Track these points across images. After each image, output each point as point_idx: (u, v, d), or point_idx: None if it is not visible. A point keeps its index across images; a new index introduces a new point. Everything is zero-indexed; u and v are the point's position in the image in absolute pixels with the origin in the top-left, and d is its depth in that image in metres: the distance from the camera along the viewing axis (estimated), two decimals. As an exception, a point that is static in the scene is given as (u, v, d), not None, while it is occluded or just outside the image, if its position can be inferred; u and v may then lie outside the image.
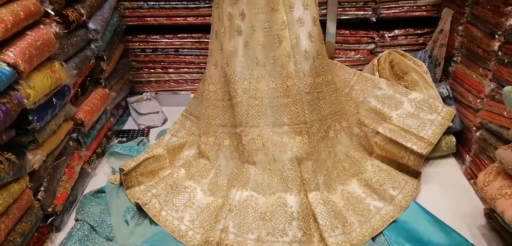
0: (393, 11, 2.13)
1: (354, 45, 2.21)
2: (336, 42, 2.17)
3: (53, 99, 1.48)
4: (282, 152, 1.55)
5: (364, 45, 2.20)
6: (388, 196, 1.52)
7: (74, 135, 1.70)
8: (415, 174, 1.64)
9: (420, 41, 2.19)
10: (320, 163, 1.57)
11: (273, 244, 1.35)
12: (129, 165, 1.66)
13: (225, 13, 1.61)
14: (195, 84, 2.40)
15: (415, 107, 1.77)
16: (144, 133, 2.18)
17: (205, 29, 2.24)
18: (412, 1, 2.11)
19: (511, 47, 1.43)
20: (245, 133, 1.59)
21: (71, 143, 1.67)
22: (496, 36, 1.50)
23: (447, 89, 1.83)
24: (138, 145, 2.02)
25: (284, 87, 1.57)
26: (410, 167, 1.64)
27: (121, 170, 1.65)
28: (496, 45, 1.50)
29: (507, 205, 1.14)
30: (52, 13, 1.51)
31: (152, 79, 2.43)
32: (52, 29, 1.47)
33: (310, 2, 1.54)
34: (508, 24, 1.44)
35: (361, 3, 2.12)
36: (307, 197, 1.46)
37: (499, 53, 1.49)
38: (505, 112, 1.42)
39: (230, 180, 1.59)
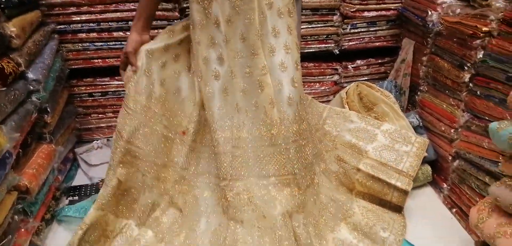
0: (354, 42, 2.15)
1: (319, 77, 2.19)
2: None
3: (-7, 172, 1.23)
4: (272, 207, 1.42)
5: (328, 77, 2.19)
6: (380, 239, 1.47)
7: (19, 206, 1.43)
8: (398, 209, 1.62)
9: (382, 70, 2.23)
10: (308, 213, 1.48)
11: None
12: None
13: (200, 56, 1.46)
14: (153, 128, 2.20)
15: (389, 139, 1.76)
16: (98, 187, 1.93)
17: (162, 68, 2.09)
18: (372, 32, 2.14)
19: (483, 79, 1.47)
20: (230, 187, 1.44)
21: (16, 217, 1.40)
22: (465, 68, 1.54)
23: (417, 119, 1.86)
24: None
25: (268, 136, 1.45)
26: (394, 203, 1.62)
27: None
28: (466, 77, 1.54)
29: (510, 244, 1.13)
30: (-15, 69, 1.27)
31: (102, 125, 2.19)
32: (-14, 89, 1.24)
33: (291, 45, 1.46)
34: (477, 57, 1.48)
35: (324, 36, 2.11)
36: None
37: (470, 84, 1.53)
38: (484, 144, 1.45)
39: (214, 241, 1.42)
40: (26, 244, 1.44)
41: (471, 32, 1.50)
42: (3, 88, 1.33)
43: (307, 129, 1.52)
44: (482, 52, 1.47)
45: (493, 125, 1.20)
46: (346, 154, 1.74)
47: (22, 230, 1.44)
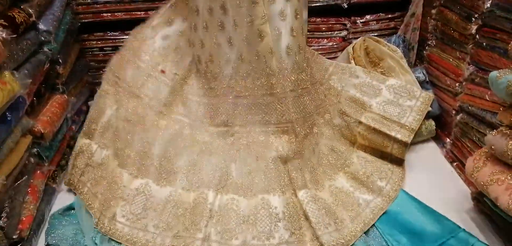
0: (364, -4, 2.10)
1: (326, 33, 2.17)
2: (308, 31, 2.12)
3: (7, 114, 1.31)
4: (267, 151, 1.49)
5: (336, 32, 2.16)
6: (376, 187, 1.50)
7: (34, 150, 1.53)
8: (398, 161, 1.64)
9: (392, 26, 2.18)
10: (305, 161, 1.52)
11: None
12: (66, 177, 1.65)
13: (203, 6, 1.49)
14: (162, 82, 2.25)
15: (393, 94, 1.76)
16: (110, 138, 2.02)
17: (169, 22, 2.11)
18: (382, -15, 2.09)
19: (490, 30, 1.44)
20: (231, 132, 1.51)
21: (31, 159, 1.50)
22: (473, 19, 1.51)
23: (424, 74, 1.84)
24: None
25: (269, 85, 1.49)
26: (394, 155, 1.64)
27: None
28: (473, 28, 1.51)
29: (501, 191, 1.14)
30: (-4, 16, 1.33)
31: (114, 79, 2.24)
32: (-2, 36, 1.30)
33: None
34: (485, 7, 1.44)
35: (333, -11, 2.08)
36: (296, 196, 1.42)
37: (477, 36, 1.51)
38: (486, 96, 1.44)
39: (211, 177, 1.49)
40: (42, 186, 1.54)
41: (480, -19, 1.46)
42: (14, 35, 1.38)
43: (306, 79, 1.54)
44: (490, 1, 1.43)
45: (493, 74, 1.20)
46: (349, 107, 1.75)
47: (38, 172, 1.54)
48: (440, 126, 1.80)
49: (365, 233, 1.35)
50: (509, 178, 1.15)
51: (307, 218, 1.35)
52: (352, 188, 1.51)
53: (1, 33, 1.31)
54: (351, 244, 1.28)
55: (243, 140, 1.50)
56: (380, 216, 1.41)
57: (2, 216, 1.27)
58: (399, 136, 1.61)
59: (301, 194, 1.41)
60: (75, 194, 1.61)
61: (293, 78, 1.48)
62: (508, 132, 1.18)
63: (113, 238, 1.38)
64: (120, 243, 1.37)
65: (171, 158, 1.54)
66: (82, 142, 1.66)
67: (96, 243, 1.36)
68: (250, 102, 1.52)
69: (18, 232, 1.33)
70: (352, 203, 1.45)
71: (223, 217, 1.38)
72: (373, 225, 1.38)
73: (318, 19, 2.14)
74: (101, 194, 1.50)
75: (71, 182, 1.61)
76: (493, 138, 1.21)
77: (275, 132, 1.51)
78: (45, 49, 1.67)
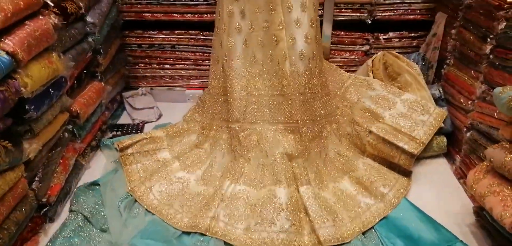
0: (388, 13, 2.16)
1: (349, 46, 2.24)
2: (332, 43, 2.20)
3: (50, 90, 1.49)
4: (274, 147, 1.59)
5: (359, 46, 2.23)
6: (379, 193, 1.54)
7: (69, 127, 1.71)
8: (406, 173, 1.67)
9: (414, 44, 2.22)
10: (310, 162, 1.60)
11: (261, 233, 1.38)
12: (123, 142, 1.73)
13: (225, 10, 1.64)
14: (191, 81, 2.41)
15: (407, 108, 1.80)
16: (138, 127, 2.19)
17: (202, 26, 2.26)
18: (406, 4, 2.15)
19: (502, 50, 1.47)
20: (242, 128, 1.63)
21: (66, 134, 1.68)
22: (488, 39, 1.54)
23: (440, 91, 1.87)
24: (133, 139, 2.02)
25: (280, 87, 1.60)
26: (401, 166, 1.67)
27: (115, 148, 1.71)
28: (488, 48, 1.54)
29: (496, 202, 1.17)
30: (51, 4, 1.52)
31: (147, 74, 2.43)
32: (51, 20, 1.49)
33: (309, 4, 1.58)
34: (499, 28, 1.47)
35: (357, 5, 2.15)
36: (298, 191, 1.49)
37: (491, 56, 1.53)
38: (495, 114, 1.46)
39: (224, 172, 1.61)
40: (73, 160, 1.71)
41: (497, 3, 1.50)
42: (64, 23, 1.57)
43: (317, 85, 1.63)
44: (504, 23, 1.46)
45: (497, 89, 1.23)
46: (361, 117, 1.82)
47: (71, 147, 1.72)
48: (452, 142, 1.81)
49: (362, 233, 1.39)
50: (505, 190, 1.17)
51: (306, 212, 1.42)
52: (355, 191, 1.56)
53: (54, 19, 1.50)
54: (347, 241, 1.33)
55: (254, 137, 1.61)
56: (379, 220, 1.45)
57: (35, 180, 1.44)
58: (406, 147, 1.65)
59: (303, 189, 1.49)
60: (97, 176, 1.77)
61: (304, 82, 1.58)
62: (508, 146, 1.20)
63: (141, 203, 1.53)
64: (138, 211, 1.51)
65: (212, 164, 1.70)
66: (158, 133, 1.84)
67: (120, 211, 1.50)
68: (261, 102, 1.63)
69: (47, 197, 1.48)
70: (354, 205, 1.50)
71: (232, 203, 1.50)
72: (372, 227, 1.43)
73: (342, 33, 2.22)
74: (144, 172, 1.67)
75: (123, 148, 1.75)
76: (493, 151, 1.24)
77: (283, 131, 1.61)
78: (90, 39, 1.88)
